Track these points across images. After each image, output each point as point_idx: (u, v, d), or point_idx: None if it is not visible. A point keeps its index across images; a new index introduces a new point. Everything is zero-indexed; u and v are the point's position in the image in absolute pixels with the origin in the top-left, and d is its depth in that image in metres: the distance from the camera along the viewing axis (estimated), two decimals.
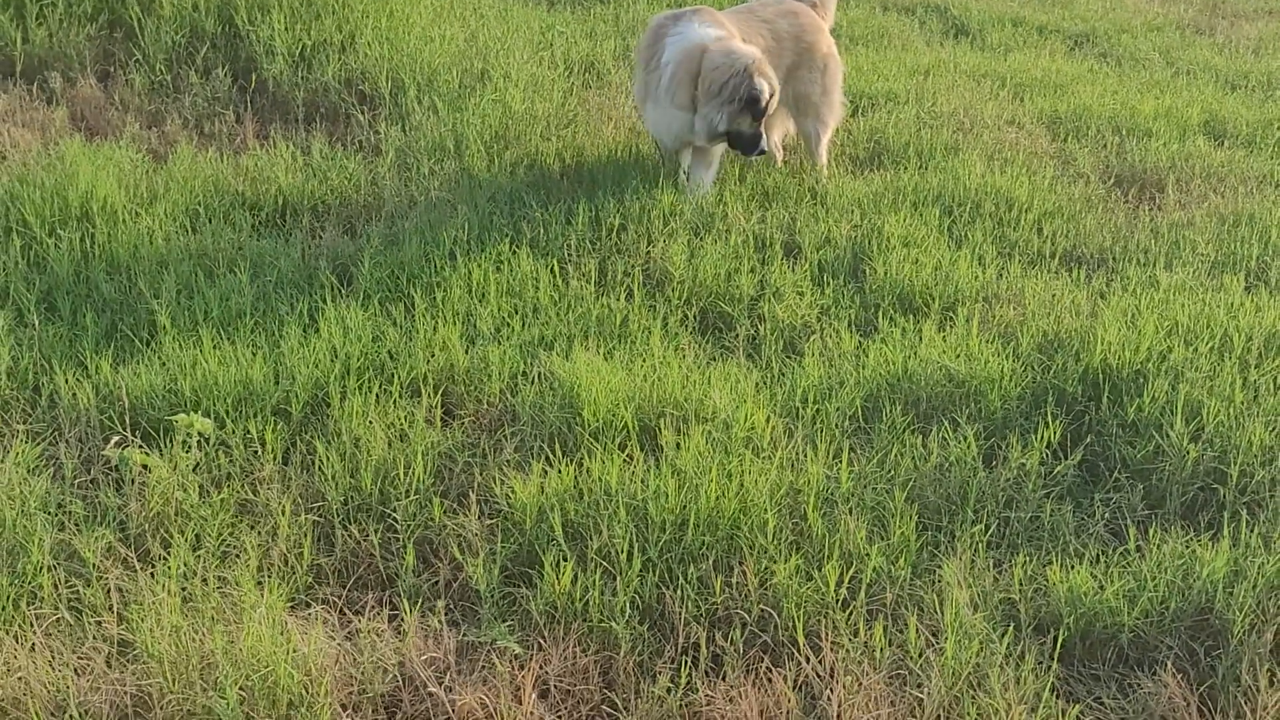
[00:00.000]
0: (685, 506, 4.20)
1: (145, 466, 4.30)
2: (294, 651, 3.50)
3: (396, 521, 4.25)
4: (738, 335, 5.57)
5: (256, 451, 4.53)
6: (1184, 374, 5.04)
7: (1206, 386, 4.98)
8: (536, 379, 5.06)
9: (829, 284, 5.96)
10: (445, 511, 4.30)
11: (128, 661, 3.56)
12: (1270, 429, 4.77)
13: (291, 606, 3.91)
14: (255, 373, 4.83)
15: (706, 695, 3.63)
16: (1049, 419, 4.80)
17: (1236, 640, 3.86)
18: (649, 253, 6.21)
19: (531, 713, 3.53)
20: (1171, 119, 8.97)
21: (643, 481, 4.30)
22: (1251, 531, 4.21)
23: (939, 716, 3.58)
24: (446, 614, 3.93)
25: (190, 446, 4.44)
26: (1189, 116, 8.99)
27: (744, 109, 6.67)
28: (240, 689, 3.41)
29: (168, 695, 3.41)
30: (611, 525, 4.11)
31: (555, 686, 3.66)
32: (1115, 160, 8.19)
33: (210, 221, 6.20)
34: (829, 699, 3.59)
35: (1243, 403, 4.89)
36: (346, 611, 3.92)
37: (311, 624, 3.76)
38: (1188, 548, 4.16)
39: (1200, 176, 7.93)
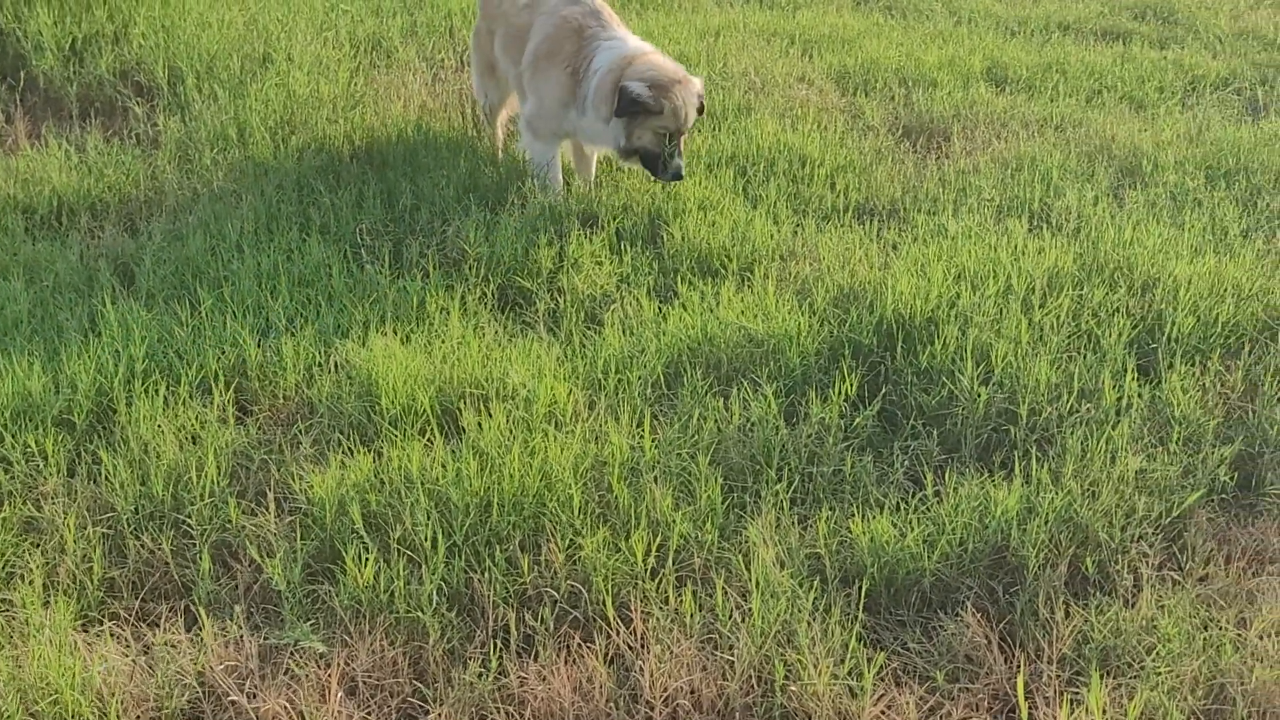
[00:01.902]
0: (489, 488, 4.15)
1: None
2: (81, 673, 3.36)
3: (190, 527, 4.11)
4: (537, 310, 5.53)
5: (39, 466, 4.35)
6: (972, 319, 5.15)
7: (994, 330, 5.09)
8: (333, 369, 4.95)
9: (627, 252, 5.95)
10: (242, 512, 4.18)
11: None
12: (1056, 367, 4.90)
13: (83, 624, 3.76)
14: (34, 383, 4.63)
15: (519, 677, 3.60)
16: (846, 372, 4.85)
17: (1032, 575, 3.96)
18: (444, 231, 6.13)
19: (339, 712, 3.45)
20: (955, 68, 9.17)
21: (444, 466, 4.23)
22: (1042, 468, 4.32)
23: (750, 676, 3.59)
24: (247, 618, 3.82)
25: None
26: (972, 65, 9.20)
27: (625, 115, 6.31)
28: (30, 716, 3.26)
29: None
30: (414, 513, 4.04)
31: (364, 682, 3.59)
32: (903, 111, 8.34)
33: None
34: (640, 669, 3.58)
35: (1029, 343, 5.02)
36: (142, 625, 3.79)
37: (103, 641, 3.62)
38: (982, 489, 4.25)
39: (984, 123, 8.12)
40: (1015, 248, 5.84)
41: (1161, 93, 9.00)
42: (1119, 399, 4.74)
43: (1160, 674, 3.57)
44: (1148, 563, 4.03)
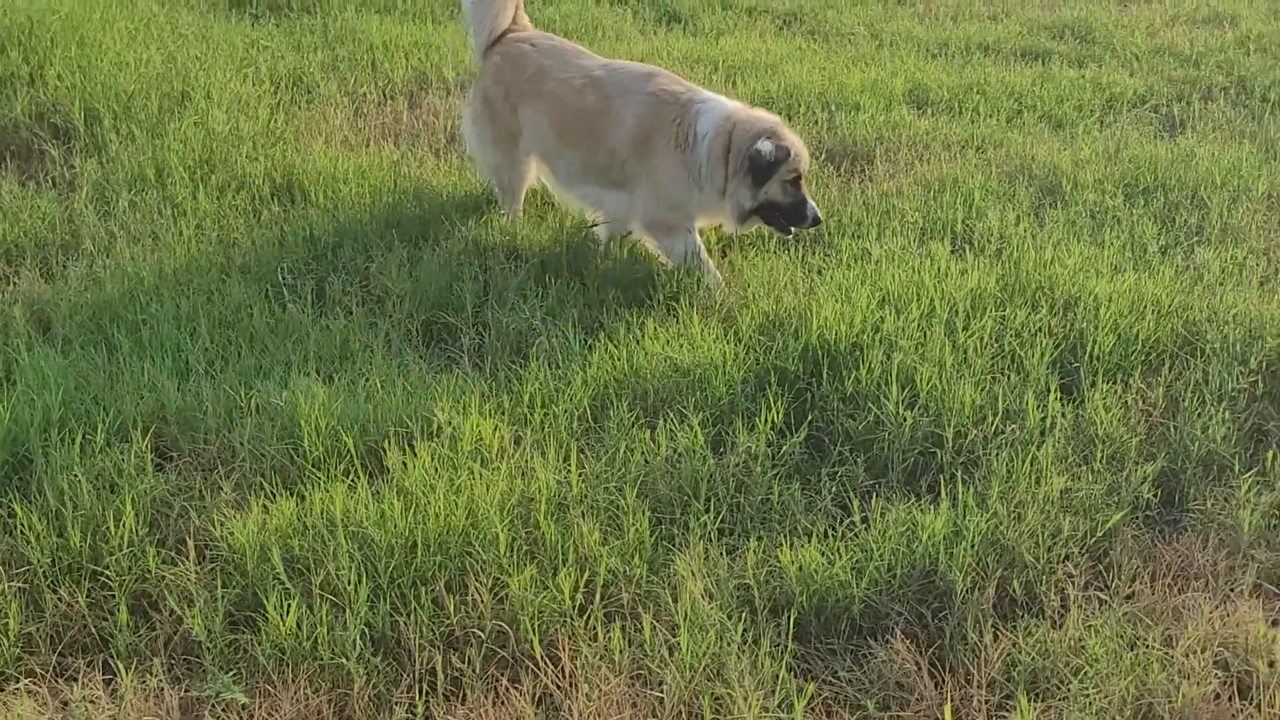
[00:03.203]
0: (413, 529, 4.10)
1: None
2: None
3: (109, 578, 4.03)
4: (462, 345, 5.49)
5: None
6: (897, 343, 5.16)
7: (919, 353, 5.11)
8: (254, 411, 4.88)
9: (552, 284, 5.92)
10: (162, 561, 4.11)
11: None
12: (980, 389, 4.93)
13: (9, 681, 3.67)
14: None
15: None
16: (773, 400, 4.85)
17: (960, 599, 3.96)
18: (367, 268, 6.08)
19: None
20: (878, 91, 9.22)
21: (367, 507, 4.18)
22: (968, 491, 4.33)
23: (679, 711, 3.57)
24: (167, 670, 3.75)
25: None
26: (894, 87, 9.26)
27: (765, 179, 5.97)
28: None
29: None
30: (336, 556, 3.98)
31: None
32: (826, 135, 8.37)
33: None
34: (569, 709, 3.55)
35: (953, 366, 5.04)
36: (59, 681, 3.70)
37: (19, 699, 3.54)
38: (909, 514, 4.25)
39: (906, 146, 8.16)
40: (938, 270, 5.87)
41: (1080, 111, 9.09)
42: (1043, 419, 4.77)
43: (1089, 695, 3.58)
44: (1074, 583, 4.05)
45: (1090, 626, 3.83)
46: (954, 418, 4.73)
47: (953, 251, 6.33)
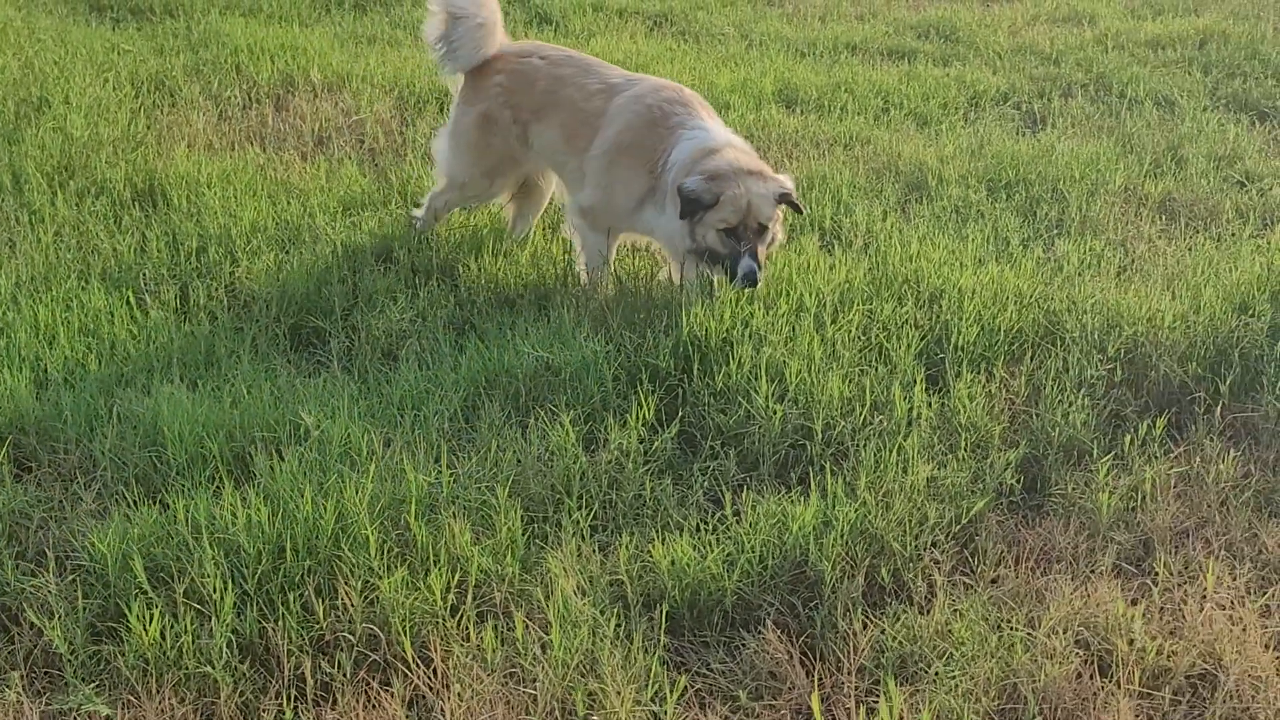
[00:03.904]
0: (280, 533, 4.04)
1: None
2: None
3: None
4: (331, 349, 5.43)
5: None
6: (767, 338, 5.21)
7: (788, 347, 5.15)
8: (116, 419, 4.77)
9: (423, 287, 5.88)
10: (21, 573, 4.00)
11: None
12: (848, 381, 4.99)
13: None
14: None
15: None
16: (644, 396, 4.86)
17: (829, 589, 4.01)
18: (233, 272, 5.99)
19: None
20: (747, 90, 9.30)
21: (233, 513, 4.11)
22: (837, 482, 4.38)
23: (553, 709, 3.56)
24: (28, 684, 3.65)
25: None
26: (763, 87, 9.35)
27: (687, 216, 5.61)
28: None
29: None
30: (201, 564, 3.91)
31: None
32: None
33: None
34: (441, 709, 3.52)
35: (822, 359, 5.10)
36: None
37: None
38: (779, 506, 4.28)
39: (776, 144, 8.25)
40: (807, 265, 5.93)
41: (945, 109, 9.26)
42: (909, 410, 4.84)
43: (955, 678, 3.64)
44: (940, 569, 4.11)
45: (956, 611, 3.90)
46: (823, 410, 4.79)
47: (821, 247, 6.41)
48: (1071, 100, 9.45)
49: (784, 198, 5.68)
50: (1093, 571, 4.16)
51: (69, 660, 3.68)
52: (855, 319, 5.40)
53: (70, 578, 3.99)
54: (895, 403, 4.84)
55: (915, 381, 5.01)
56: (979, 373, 5.17)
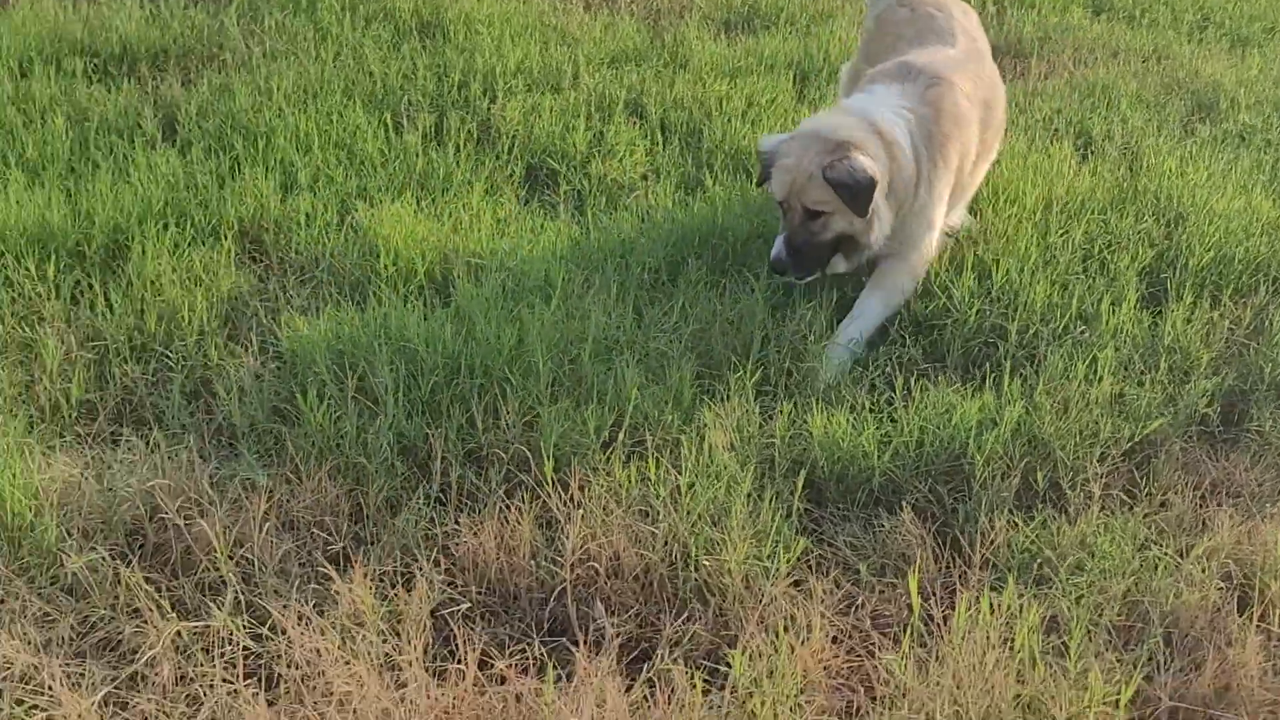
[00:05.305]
0: (460, 351, 4.23)
1: None
2: (23, 479, 3.53)
3: (173, 362, 4.27)
4: (561, 191, 5.58)
5: (42, 292, 4.54)
6: (988, 233, 5.09)
7: (1003, 246, 5.02)
8: (347, 229, 5.06)
9: (665, 144, 5.96)
10: (226, 352, 4.33)
11: None
12: (1057, 286, 4.83)
13: (53, 439, 3.94)
14: (54, 214, 4.81)
15: (453, 527, 3.70)
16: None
17: (979, 484, 3.95)
18: (489, 108, 6.19)
19: (272, 542, 3.58)
20: None
21: (419, 324, 4.32)
22: (1015, 382, 4.29)
23: (673, 549, 3.64)
24: (208, 449, 3.97)
25: None
26: None
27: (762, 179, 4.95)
28: None
29: None
30: (380, 365, 4.14)
31: (301, 519, 3.71)
32: (994, 27, 8.17)
33: (40, 67, 6.13)
34: (566, 531, 3.66)
35: (1036, 262, 4.95)
36: (107, 446, 3.96)
37: (66, 453, 3.80)
38: (948, 398, 4.22)
39: (1071, 48, 7.93)
40: (1054, 169, 5.73)
41: (1270, 33, 8.69)
42: (1115, 324, 4.67)
43: (1083, 589, 3.55)
44: (1101, 483, 3.99)
45: (1105, 525, 3.79)
46: (1022, 312, 4.66)
47: (1080, 156, 6.17)
48: None
49: (831, 177, 4.59)
50: (1264, 512, 3.96)
51: (244, 433, 3.98)
52: (1085, 227, 5.20)
53: (267, 363, 4.29)
54: (1102, 315, 4.68)
55: (1127, 297, 4.81)
56: (1202, 298, 4.92)
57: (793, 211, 4.72)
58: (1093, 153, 6.23)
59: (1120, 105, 6.83)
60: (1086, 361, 4.43)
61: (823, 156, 4.61)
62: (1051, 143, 6.24)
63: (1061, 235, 5.13)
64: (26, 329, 4.37)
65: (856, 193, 4.58)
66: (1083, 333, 4.64)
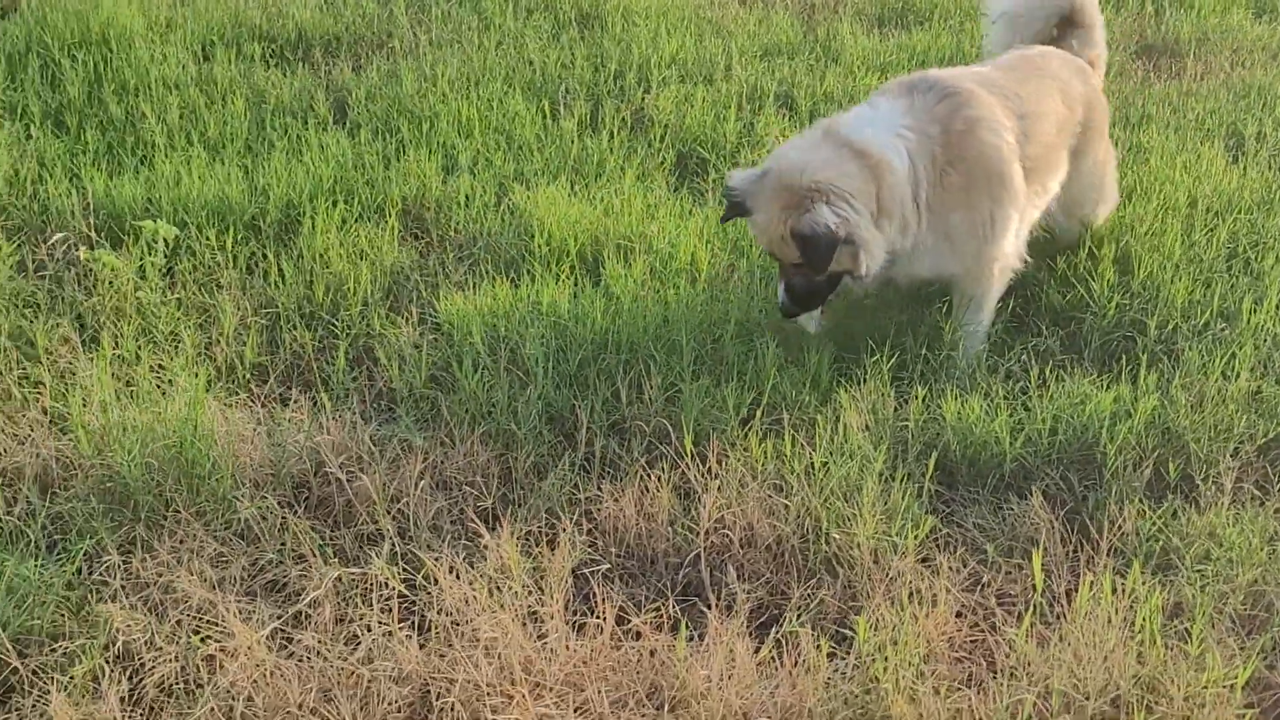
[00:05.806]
0: (608, 328, 4.43)
1: (112, 268, 4.63)
2: (203, 430, 3.81)
3: (338, 330, 4.54)
4: (710, 179, 5.75)
5: (220, 261, 4.84)
6: (1134, 229, 5.13)
7: (1148, 243, 5.06)
8: (504, 210, 5.29)
9: None
10: (388, 322, 4.58)
11: (60, 432, 3.91)
12: (1201, 284, 4.86)
13: (228, 397, 4.23)
14: (232, 189, 5.12)
15: (595, 493, 3.89)
16: None
17: (1111, 473, 4.02)
18: (643, 97, 6.39)
19: (425, 499, 3.81)
20: None
21: (570, 301, 4.53)
22: (1152, 375, 4.34)
23: (804, 522, 3.79)
24: (370, 412, 4.22)
25: (155, 251, 4.75)
26: None
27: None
28: (152, 460, 3.73)
29: (88, 461, 3.75)
30: (531, 339, 4.35)
31: (453, 479, 3.94)
32: (1149, 30, 8.13)
33: (222, 51, 6.48)
34: (702, 501, 3.83)
35: (1180, 259, 4.98)
36: (277, 405, 4.23)
37: (240, 410, 4.08)
38: (1083, 389, 4.29)
39: (1228, 49, 7.85)
40: (1203, 168, 5.73)
41: None
42: (1257, 324, 4.68)
43: (1207, 576, 3.61)
44: (1233, 476, 4.02)
45: (1234, 517, 3.84)
46: (1163, 308, 4.71)
47: (1231, 156, 6.15)
48: None
49: (797, 234, 4.28)
50: None
51: (403, 397, 4.23)
52: (1232, 226, 5.21)
53: (424, 331, 4.54)
54: (1243, 313, 4.70)
55: (1269, 297, 4.81)
56: None
57: (780, 261, 4.53)
58: (1243, 153, 6.20)
59: (1276, 107, 6.77)
60: (1225, 358, 4.46)
61: (787, 213, 4.30)
62: (1202, 143, 6.23)
63: (1207, 233, 5.14)
64: (206, 295, 4.67)
65: (815, 252, 4.27)
66: (1223, 330, 4.67)
